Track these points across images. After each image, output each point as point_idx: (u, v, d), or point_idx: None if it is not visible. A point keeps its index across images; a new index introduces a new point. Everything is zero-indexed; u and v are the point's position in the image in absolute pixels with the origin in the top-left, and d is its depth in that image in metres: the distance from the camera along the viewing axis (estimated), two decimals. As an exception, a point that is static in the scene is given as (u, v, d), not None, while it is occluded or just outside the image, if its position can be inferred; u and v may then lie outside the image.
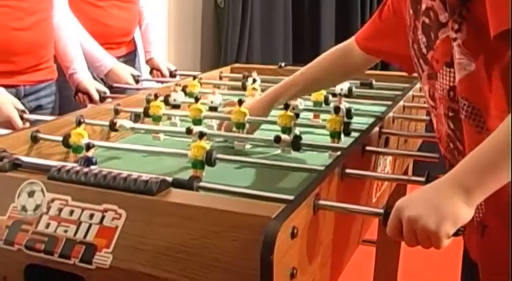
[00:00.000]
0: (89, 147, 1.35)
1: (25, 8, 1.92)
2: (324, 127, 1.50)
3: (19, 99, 1.85)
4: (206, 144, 1.29)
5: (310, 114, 1.84)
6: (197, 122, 1.64)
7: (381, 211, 1.01)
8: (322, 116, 1.79)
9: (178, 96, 1.86)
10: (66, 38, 2.19)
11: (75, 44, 2.23)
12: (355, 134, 1.49)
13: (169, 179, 1.07)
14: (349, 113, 1.63)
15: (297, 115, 1.64)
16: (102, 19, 2.49)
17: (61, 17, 2.17)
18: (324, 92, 1.87)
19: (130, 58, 2.70)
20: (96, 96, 2.15)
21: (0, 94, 1.77)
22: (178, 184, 1.07)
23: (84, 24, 2.37)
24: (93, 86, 2.17)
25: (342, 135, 1.49)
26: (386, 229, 0.98)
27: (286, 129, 1.52)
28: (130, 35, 2.69)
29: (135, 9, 2.67)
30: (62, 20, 2.18)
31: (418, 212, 0.93)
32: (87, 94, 2.16)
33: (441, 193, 0.95)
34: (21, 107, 1.77)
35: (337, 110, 1.50)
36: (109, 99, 2.14)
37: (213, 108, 1.77)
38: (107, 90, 2.21)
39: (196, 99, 1.68)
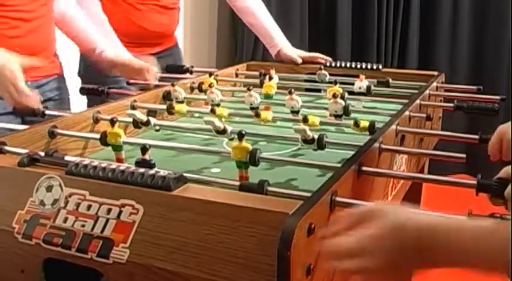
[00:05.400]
0: (145, 149, 1.26)
1: (21, 18, 1.87)
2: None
3: None
4: (247, 144, 1.24)
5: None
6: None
7: None
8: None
9: (178, 94, 1.88)
10: (82, 24, 2.13)
11: (92, 26, 2.15)
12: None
13: (189, 175, 1.08)
14: (346, 110, 1.64)
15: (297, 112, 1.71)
16: (138, 21, 2.42)
17: (71, 7, 2.14)
18: (340, 90, 1.87)
19: (169, 53, 2.62)
20: (145, 65, 2.06)
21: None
22: (247, 188, 1.06)
23: (117, 23, 2.30)
24: (131, 57, 2.11)
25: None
26: None
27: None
28: (167, 37, 2.60)
29: (176, 14, 2.59)
30: (72, 10, 2.13)
31: (376, 266, 0.85)
32: (131, 68, 2.08)
33: (406, 259, 0.84)
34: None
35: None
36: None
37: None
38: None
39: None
